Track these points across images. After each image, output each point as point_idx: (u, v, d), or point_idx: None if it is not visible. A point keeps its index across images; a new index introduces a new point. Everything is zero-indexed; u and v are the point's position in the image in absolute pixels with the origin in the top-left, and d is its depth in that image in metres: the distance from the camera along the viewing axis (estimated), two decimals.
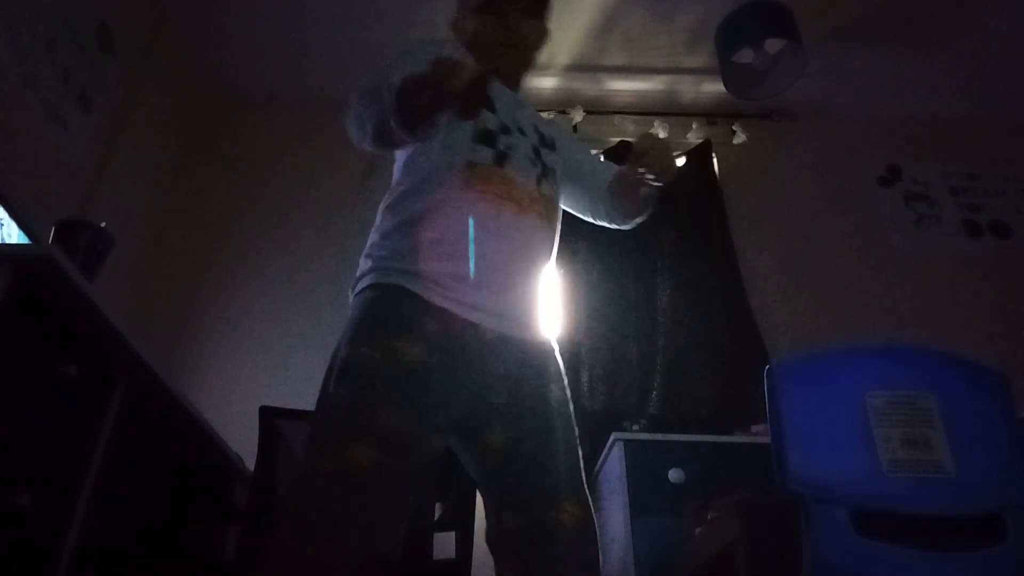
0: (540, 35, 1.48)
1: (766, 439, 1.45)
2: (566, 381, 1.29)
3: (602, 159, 1.64)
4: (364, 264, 1.27)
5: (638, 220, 1.49)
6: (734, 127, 3.57)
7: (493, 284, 1.21)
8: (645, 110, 3.60)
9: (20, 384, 1.35)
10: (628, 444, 2.37)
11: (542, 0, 1.46)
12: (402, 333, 1.14)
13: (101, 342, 1.55)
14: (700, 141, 3.55)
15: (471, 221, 1.22)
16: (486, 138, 1.29)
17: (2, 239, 1.94)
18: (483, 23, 1.41)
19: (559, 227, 1.40)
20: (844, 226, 3.41)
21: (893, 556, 1.33)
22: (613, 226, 1.53)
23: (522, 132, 1.36)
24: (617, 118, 3.60)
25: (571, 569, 1.09)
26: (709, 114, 3.61)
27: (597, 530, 1.16)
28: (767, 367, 1.52)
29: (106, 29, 2.73)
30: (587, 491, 1.19)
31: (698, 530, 1.86)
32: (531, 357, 1.24)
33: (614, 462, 2.40)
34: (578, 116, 3.49)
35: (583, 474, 1.20)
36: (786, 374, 1.50)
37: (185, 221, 3.26)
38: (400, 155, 1.40)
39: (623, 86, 3.56)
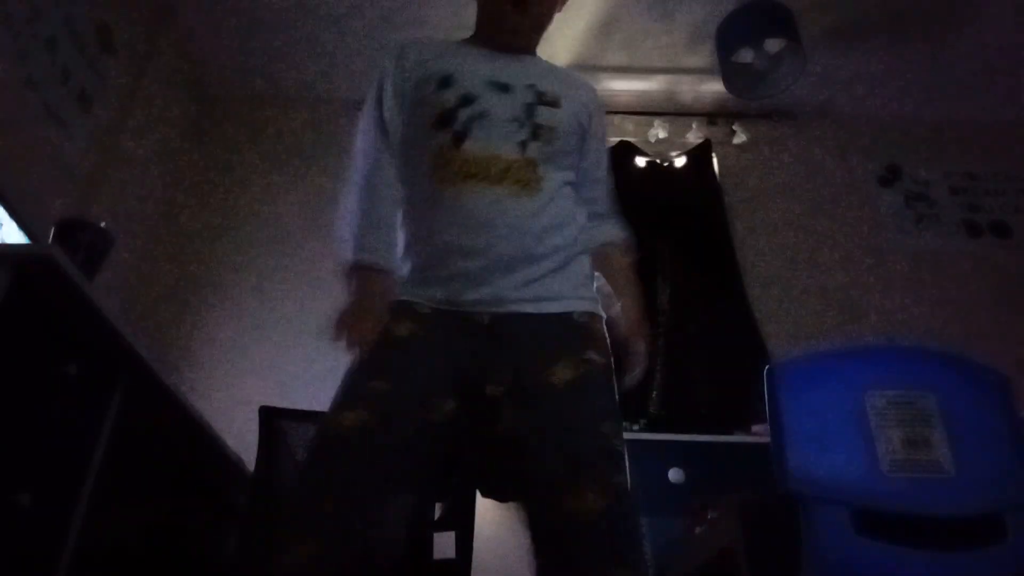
0: None
1: (766, 439, 1.45)
2: (591, 354, 1.16)
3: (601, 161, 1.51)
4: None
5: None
6: (734, 127, 3.57)
7: (473, 271, 1.16)
8: (645, 110, 3.60)
9: (20, 384, 1.35)
10: (628, 444, 2.37)
11: None
12: (392, 319, 1.15)
13: (101, 342, 1.55)
14: (700, 141, 3.56)
15: (434, 212, 1.20)
16: (442, 121, 1.24)
17: (2, 239, 1.94)
18: None
19: (564, 187, 1.30)
20: (844, 226, 3.41)
21: (893, 556, 1.33)
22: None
23: (506, 90, 1.28)
24: (617, 118, 3.60)
25: (598, 564, 0.97)
26: (709, 114, 3.61)
27: (630, 519, 1.04)
28: (767, 367, 1.52)
29: (106, 29, 2.73)
30: (620, 478, 1.06)
31: (698, 530, 1.86)
32: (534, 336, 1.14)
33: None
34: None
35: (613, 459, 1.08)
36: (786, 374, 1.50)
37: (185, 221, 3.26)
38: None
39: (623, 86, 3.56)
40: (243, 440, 2.12)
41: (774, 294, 3.18)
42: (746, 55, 2.99)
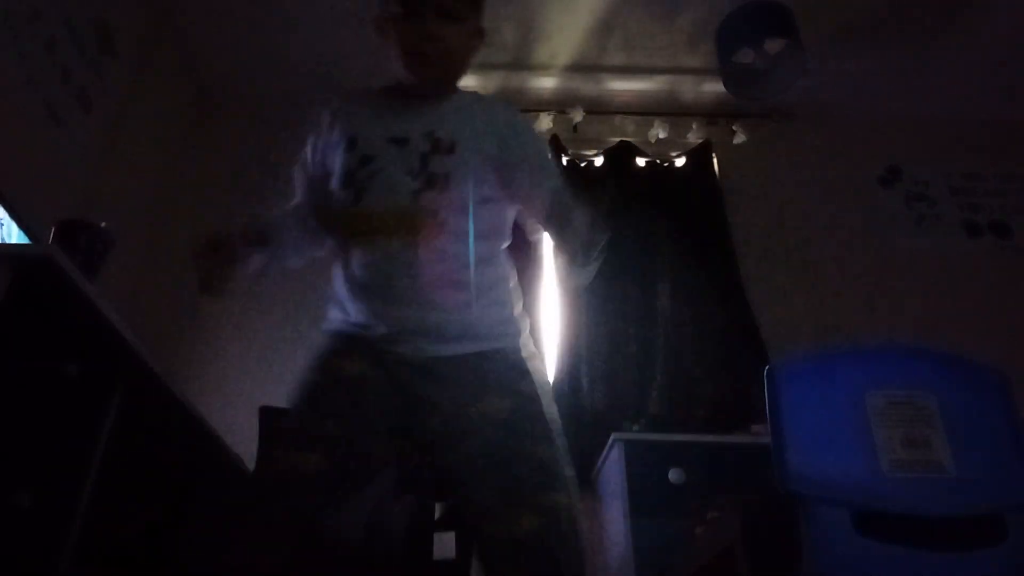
0: (466, 37, 1.37)
1: (766, 439, 1.45)
2: (521, 384, 1.23)
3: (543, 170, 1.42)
4: None
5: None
6: (734, 127, 3.57)
7: (385, 319, 1.25)
8: (645, 110, 3.60)
9: (20, 384, 1.36)
10: (628, 444, 2.38)
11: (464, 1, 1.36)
12: (340, 356, 1.26)
13: (101, 342, 1.55)
14: (700, 141, 3.56)
15: (343, 269, 1.32)
16: (346, 181, 1.31)
17: (2, 239, 1.94)
18: (402, 31, 1.34)
19: (468, 230, 1.30)
20: (844, 226, 3.41)
21: (893, 556, 1.33)
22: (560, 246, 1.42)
23: (403, 144, 1.30)
24: (617, 118, 3.60)
25: None
26: (709, 114, 3.61)
27: (561, 539, 1.09)
28: (767, 367, 1.52)
29: (106, 29, 2.73)
30: (557, 496, 1.13)
31: (698, 530, 1.86)
32: (461, 375, 1.22)
33: (614, 462, 2.40)
34: (578, 116, 3.49)
35: (548, 479, 1.14)
36: (786, 374, 1.50)
37: (185, 221, 3.26)
38: None
39: (623, 86, 3.56)
40: (243, 440, 2.12)
41: (774, 294, 3.18)
42: (746, 55, 2.98)
